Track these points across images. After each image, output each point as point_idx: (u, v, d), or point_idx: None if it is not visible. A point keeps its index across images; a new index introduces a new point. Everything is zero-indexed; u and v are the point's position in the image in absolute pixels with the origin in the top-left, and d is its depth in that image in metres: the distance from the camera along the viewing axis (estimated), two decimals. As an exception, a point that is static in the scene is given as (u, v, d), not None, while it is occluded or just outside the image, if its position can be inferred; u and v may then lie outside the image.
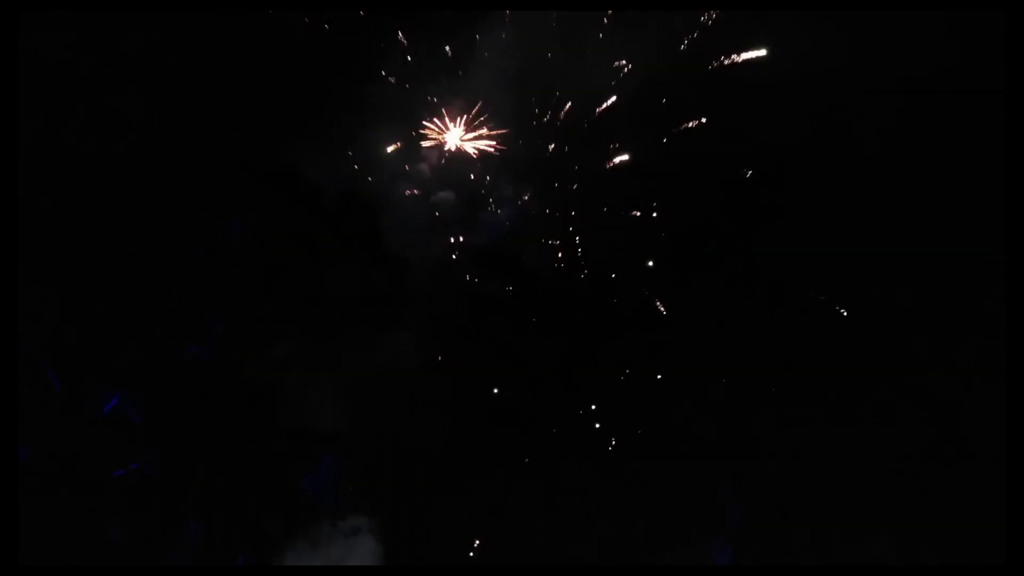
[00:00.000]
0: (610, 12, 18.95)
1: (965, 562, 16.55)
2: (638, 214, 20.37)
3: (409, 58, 20.40)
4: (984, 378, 16.99)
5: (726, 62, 18.30)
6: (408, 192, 21.39)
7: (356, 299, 19.66)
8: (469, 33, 20.24)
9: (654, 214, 20.29)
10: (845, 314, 18.35)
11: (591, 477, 20.45)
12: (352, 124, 20.64)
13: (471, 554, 19.67)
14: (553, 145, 20.90)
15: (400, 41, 20.26)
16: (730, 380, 19.28)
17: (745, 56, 18.19)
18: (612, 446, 20.61)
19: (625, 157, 20.36)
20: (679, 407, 19.85)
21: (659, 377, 20.07)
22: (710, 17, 18.09)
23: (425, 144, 21.41)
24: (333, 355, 19.42)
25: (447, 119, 21.16)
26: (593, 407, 20.07)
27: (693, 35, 18.37)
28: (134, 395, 16.94)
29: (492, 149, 21.19)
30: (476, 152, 21.32)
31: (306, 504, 18.47)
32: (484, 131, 21.07)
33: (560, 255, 21.19)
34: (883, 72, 17.54)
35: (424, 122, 21.21)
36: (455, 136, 21.20)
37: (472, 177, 21.66)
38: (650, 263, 20.54)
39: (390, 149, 20.96)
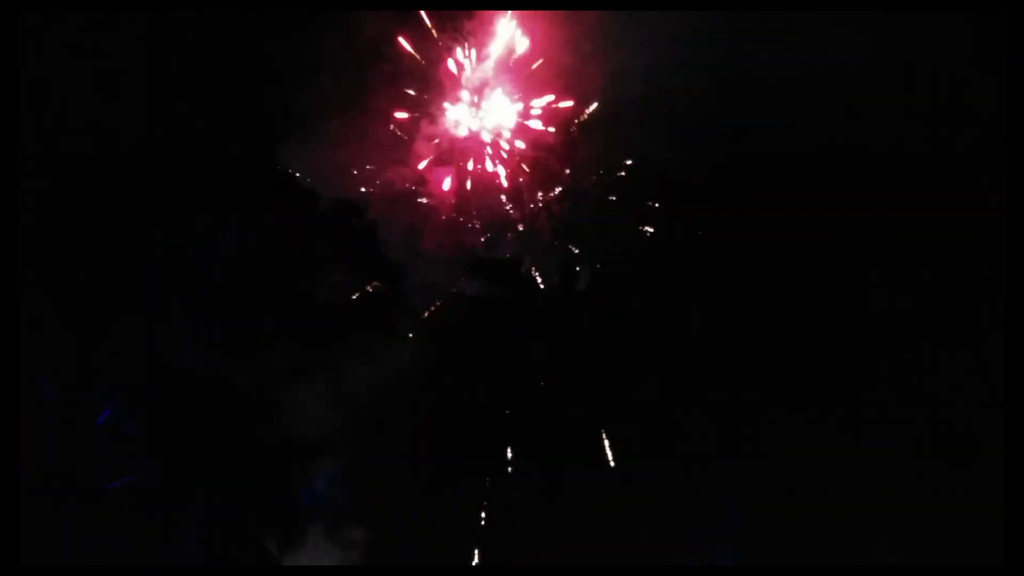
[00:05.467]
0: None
1: (965, 562, 16.63)
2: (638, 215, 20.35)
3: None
4: (983, 380, 17.16)
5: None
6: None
7: (352, 306, 19.46)
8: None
9: (653, 214, 20.30)
10: (845, 317, 18.41)
11: (592, 482, 20.36)
12: (344, 127, 20.35)
13: (472, 563, 19.47)
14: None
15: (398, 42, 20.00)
16: (731, 383, 19.28)
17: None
18: (613, 450, 20.53)
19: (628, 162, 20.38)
20: (680, 411, 19.82)
21: (658, 381, 20.04)
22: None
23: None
24: (330, 364, 19.19)
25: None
26: (594, 412, 19.99)
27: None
28: (129, 406, 16.58)
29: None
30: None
31: (303, 515, 18.20)
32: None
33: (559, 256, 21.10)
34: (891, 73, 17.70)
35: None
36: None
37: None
38: (649, 264, 20.53)
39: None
